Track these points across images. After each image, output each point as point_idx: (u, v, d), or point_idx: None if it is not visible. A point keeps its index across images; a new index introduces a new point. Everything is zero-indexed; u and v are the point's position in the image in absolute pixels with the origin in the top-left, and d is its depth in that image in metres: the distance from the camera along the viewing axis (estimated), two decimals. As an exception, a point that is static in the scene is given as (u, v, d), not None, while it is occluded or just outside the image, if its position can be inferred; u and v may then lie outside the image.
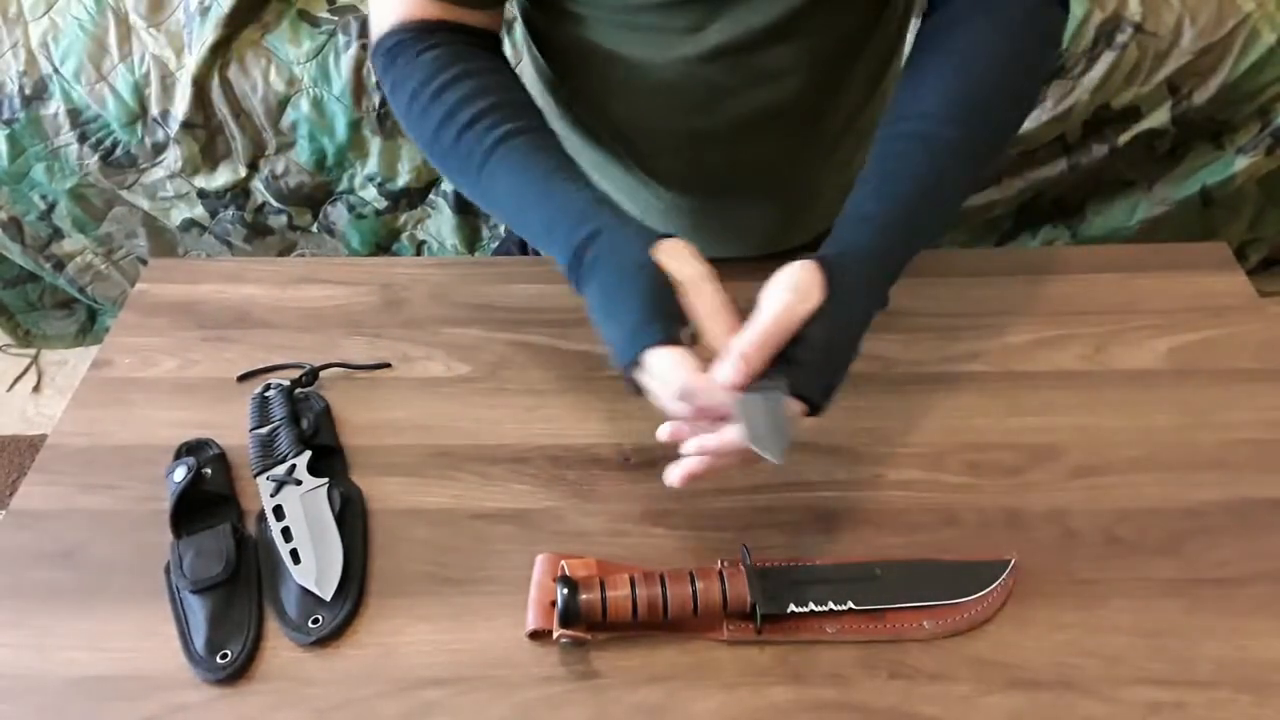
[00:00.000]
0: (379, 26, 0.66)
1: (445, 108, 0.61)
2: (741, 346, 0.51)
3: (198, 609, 0.57)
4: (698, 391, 0.51)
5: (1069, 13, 0.64)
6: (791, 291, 0.53)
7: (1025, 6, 0.61)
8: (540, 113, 0.64)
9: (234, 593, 0.58)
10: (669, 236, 0.56)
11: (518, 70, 0.68)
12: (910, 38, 0.73)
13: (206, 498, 0.62)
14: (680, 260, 0.54)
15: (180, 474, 0.62)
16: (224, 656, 0.55)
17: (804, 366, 0.53)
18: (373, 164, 1.45)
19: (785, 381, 0.52)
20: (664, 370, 0.52)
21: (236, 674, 0.54)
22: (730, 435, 0.52)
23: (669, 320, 0.53)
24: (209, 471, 0.64)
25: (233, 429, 0.68)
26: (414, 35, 0.64)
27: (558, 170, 0.60)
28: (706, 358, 0.52)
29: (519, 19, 0.76)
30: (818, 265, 0.54)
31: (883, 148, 0.60)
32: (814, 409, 0.54)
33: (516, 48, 1.34)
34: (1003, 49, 0.60)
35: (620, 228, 0.56)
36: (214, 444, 0.67)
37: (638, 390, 0.55)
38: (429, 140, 0.64)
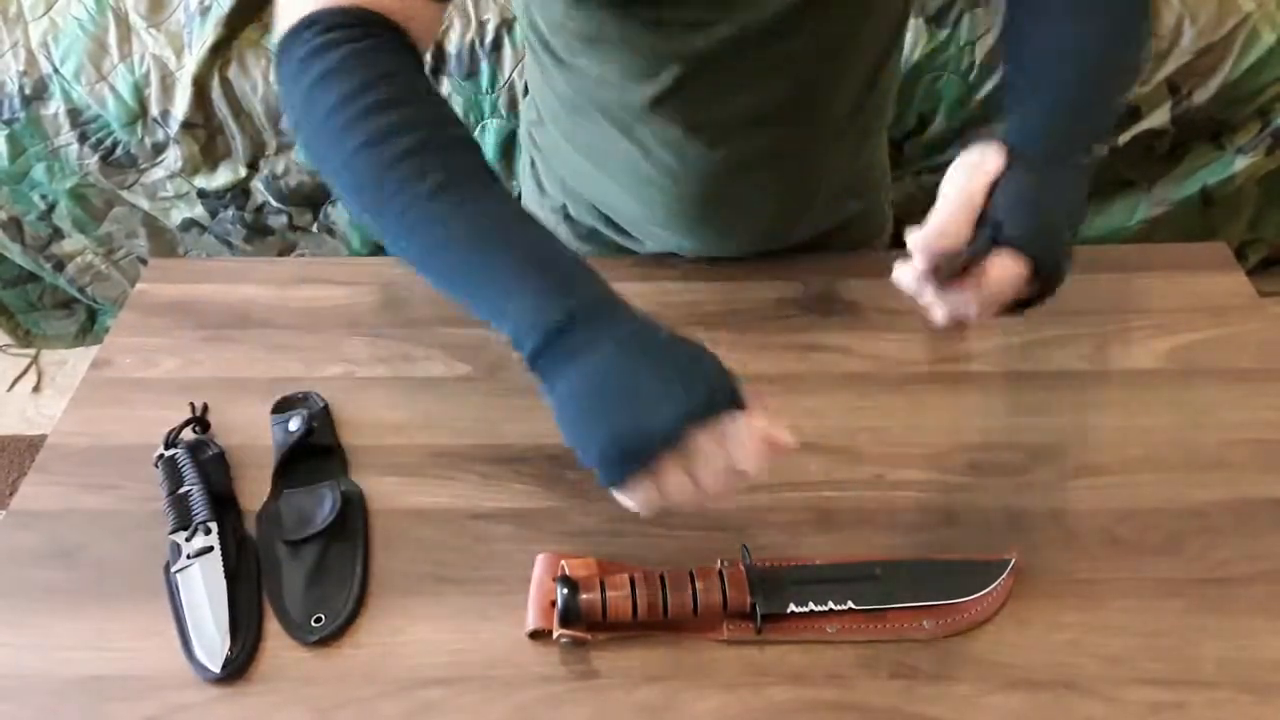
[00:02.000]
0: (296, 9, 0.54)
1: (379, 123, 0.51)
2: (922, 239, 0.50)
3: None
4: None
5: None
6: (963, 169, 0.52)
7: None
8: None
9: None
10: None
11: (517, 71, 0.68)
12: (910, 28, 0.73)
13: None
14: None
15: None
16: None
17: (1001, 219, 0.50)
18: (373, 164, 1.45)
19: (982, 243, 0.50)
20: (742, 432, 0.45)
21: (237, 673, 0.54)
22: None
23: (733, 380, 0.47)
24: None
25: (233, 430, 0.68)
26: (342, 26, 0.53)
27: (525, 223, 0.52)
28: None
29: (519, 17, 0.76)
30: (991, 143, 0.53)
31: (1014, 75, 0.59)
32: (1041, 267, 0.51)
33: (518, 47, 1.34)
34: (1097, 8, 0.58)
35: (616, 302, 0.49)
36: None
37: (625, 482, 0.46)
38: (342, 155, 0.51)
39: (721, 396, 0.46)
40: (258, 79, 1.39)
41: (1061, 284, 0.53)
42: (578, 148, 0.79)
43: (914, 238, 0.51)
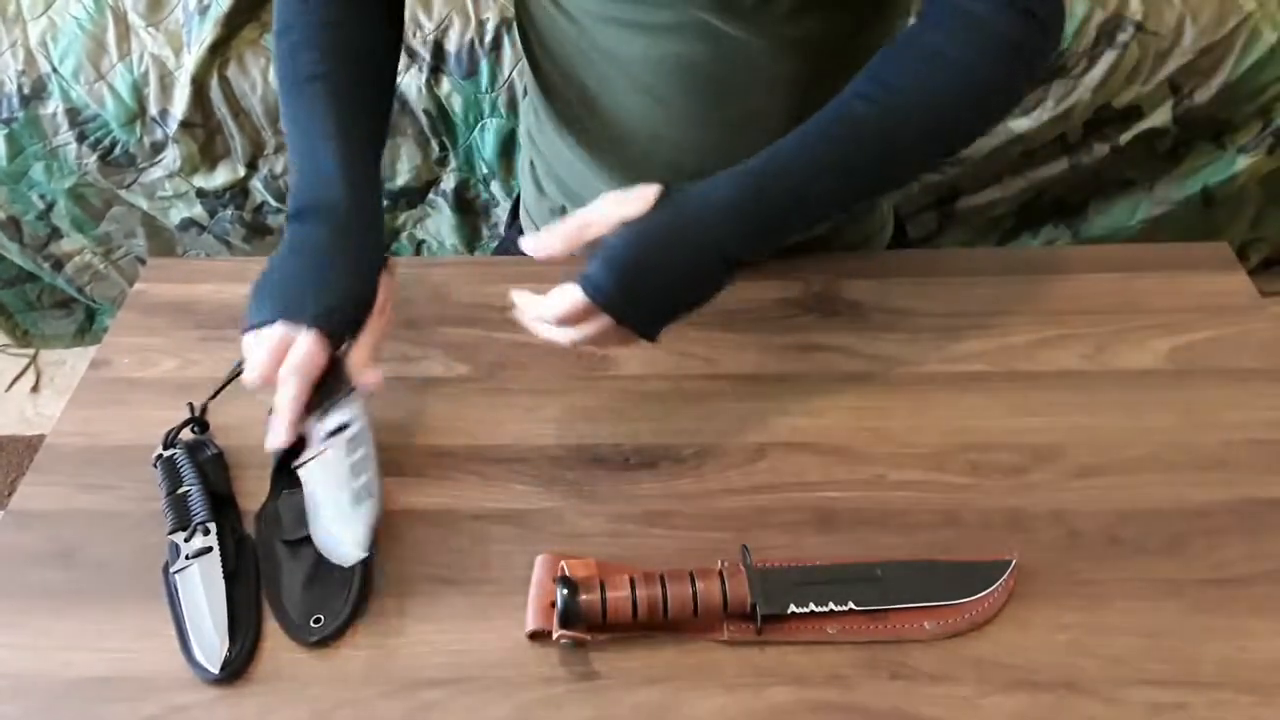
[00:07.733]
0: None
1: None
2: (549, 229, 0.58)
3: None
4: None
5: (1050, 36, 0.61)
6: (613, 200, 0.57)
7: (996, 26, 0.58)
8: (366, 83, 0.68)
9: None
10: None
11: (517, 70, 0.68)
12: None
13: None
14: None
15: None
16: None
17: (596, 259, 0.55)
18: (372, 163, 1.45)
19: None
20: (295, 350, 0.56)
21: (236, 674, 0.54)
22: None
23: (342, 313, 0.58)
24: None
25: (232, 430, 0.68)
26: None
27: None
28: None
29: (515, 23, 0.76)
30: (658, 188, 0.57)
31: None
32: (611, 312, 0.56)
33: (517, 49, 1.33)
34: (951, 49, 0.59)
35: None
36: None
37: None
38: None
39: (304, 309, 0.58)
40: (256, 78, 1.39)
41: (646, 339, 0.58)
42: (576, 151, 0.79)
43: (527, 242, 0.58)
